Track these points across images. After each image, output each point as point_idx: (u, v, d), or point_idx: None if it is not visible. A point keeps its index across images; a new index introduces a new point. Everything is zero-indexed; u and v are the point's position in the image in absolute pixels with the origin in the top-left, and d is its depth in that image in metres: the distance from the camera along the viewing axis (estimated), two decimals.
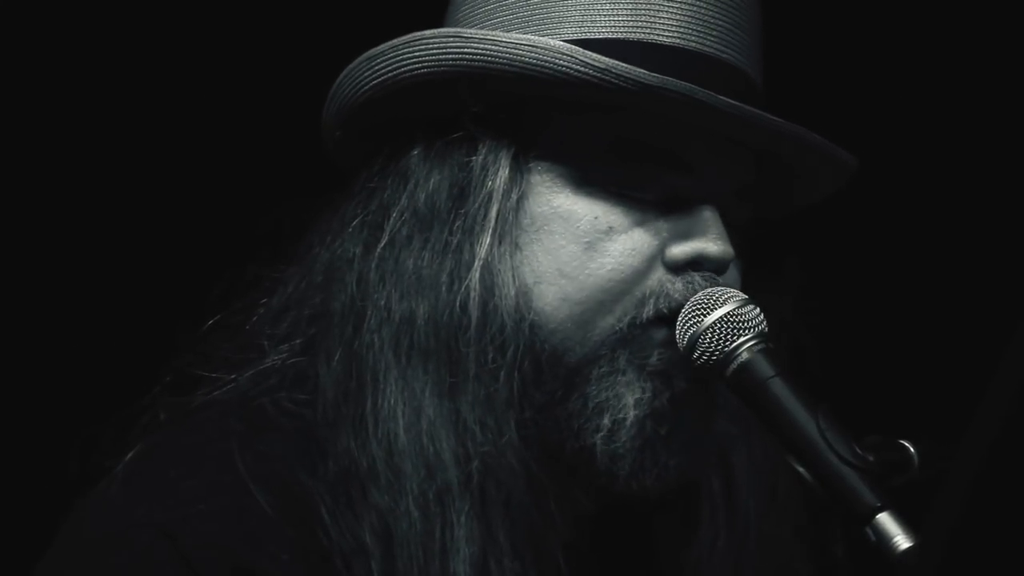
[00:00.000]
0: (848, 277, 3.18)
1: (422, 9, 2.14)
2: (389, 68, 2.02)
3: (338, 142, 2.13)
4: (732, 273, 2.05)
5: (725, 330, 1.95)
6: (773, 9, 2.16)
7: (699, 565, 2.12)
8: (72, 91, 3.17)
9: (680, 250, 2.00)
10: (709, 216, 2.01)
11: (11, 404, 3.15)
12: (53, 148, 3.18)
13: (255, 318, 2.11)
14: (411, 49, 2.01)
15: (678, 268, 2.00)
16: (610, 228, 2.00)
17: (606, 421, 1.98)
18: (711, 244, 2.00)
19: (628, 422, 1.97)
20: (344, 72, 2.07)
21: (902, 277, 3.24)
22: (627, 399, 1.97)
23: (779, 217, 2.22)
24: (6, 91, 3.14)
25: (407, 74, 2.01)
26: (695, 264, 2.00)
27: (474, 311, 1.96)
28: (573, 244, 1.99)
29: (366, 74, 2.04)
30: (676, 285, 2.00)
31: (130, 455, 1.98)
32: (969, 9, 3.12)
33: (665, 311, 1.99)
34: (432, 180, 2.02)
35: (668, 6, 2.02)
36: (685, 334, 1.97)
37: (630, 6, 2.02)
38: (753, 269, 2.13)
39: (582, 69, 1.94)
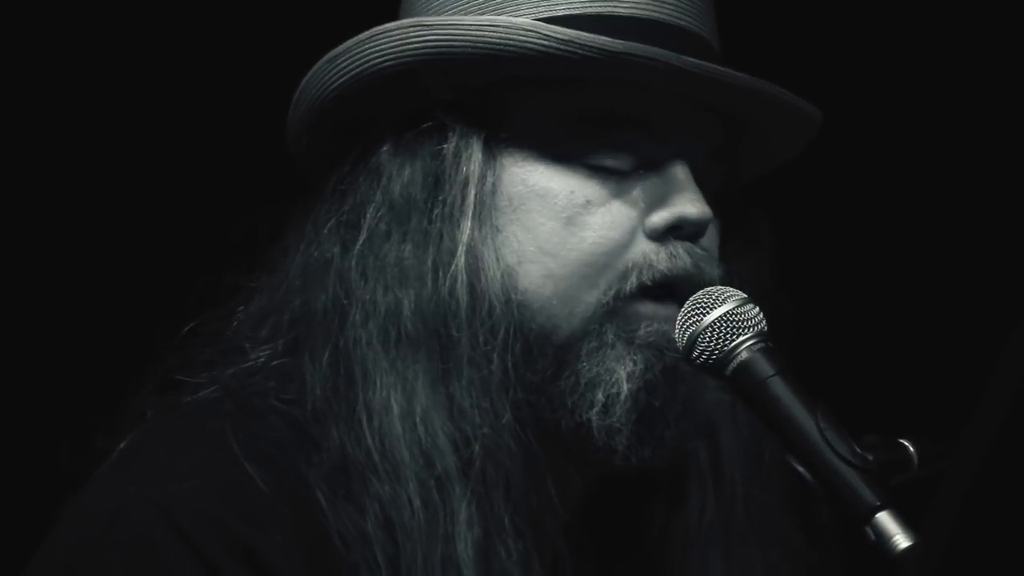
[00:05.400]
0: (848, 277, 3.18)
1: (378, 10, 2.13)
2: (354, 65, 2.02)
3: (305, 148, 2.12)
4: (711, 234, 2.06)
5: (724, 329, 1.95)
6: None
7: (688, 534, 2.13)
8: (47, 98, 3.17)
9: (660, 217, 2.01)
10: (683, 178, 2.02)
11: (2, 408, 3.16)
12: (36, 155, 3.18)
13: (234, 324, 2.10)
14: (373, 44, 2.01)
15: (658, 236, 2.01)
16: (587, 202, 2.01)
17: (600, 396, 1.98)
18: (689, 206, 2.01)
19: (622, 396, 1.98)
20: (308, 75, 2.07)
21: (902, 277, 3.24)
22: (619, 373, 1.98)
23: (751, 179, 2.22)
24: None
25: (371, 69, 2.01)
26: (675, 229, 2.01)
27: (462, 296, 1.97)
28: (552, 221, 2.00)
29: (331, 74, 2.04)
30: (660, 255, 2.01)
31: (123, 443, 1.99)
32: None
33: (648, 283, 2.00)
34: (406, 172, 2.02)
35: None
36: (684, 333, 1.97)
37: None
38: (729, 235, 2.13)
39: (546, 43, 1.95)
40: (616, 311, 2.00)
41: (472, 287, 1.97)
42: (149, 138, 3.18)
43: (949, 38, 3.14)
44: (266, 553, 1.87)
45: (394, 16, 2.12)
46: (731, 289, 1.99)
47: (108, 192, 3.19)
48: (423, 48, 1.99)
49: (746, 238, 2.17)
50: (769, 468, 2.13)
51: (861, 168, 2.25)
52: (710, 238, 2.06)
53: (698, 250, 2.02)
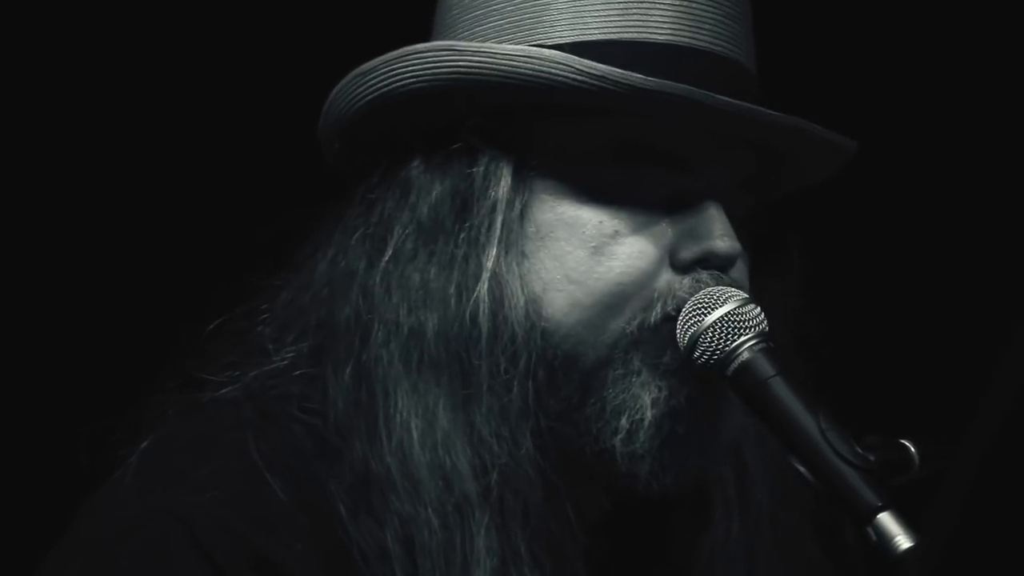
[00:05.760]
0: (849, 277, 3.18)
1: (417, 15, 2.14)
2: (383, 83, 2.02)
3: (337, 152, 2.12)
4: (739, 267, 2.05)
5: (725, 330, 1.95)
6: None
7: (713, 555, 2.11)
8: (81, 99, 3.18)
9: (688, 251, 2.00)
10: (714, 213, 2.01)
11: (23, 404, 3.17)
12: (64, 156, 3.20)
13: (259, 326, 2.09)
14: (404, 64, 2.01)
15: (685, 267, 2.00)
16: (616, 232, 2.00)
17: (624, 423, 1.97)
18: (718, 242, 1.99)
19: (646, 423, 1.97)
20: (336, 88, 2.06)
21: (903, 277, 3.24)
22: (644, 399, 1.97)
23: (779, 198, 2.21)
24: (12, 95, 3.15)
25: (402, 88, 2.00)
26: (703, 261, 2.00)
27: (484, 323, 1.96)
28: (580, 249, 1.99)
29: (360, 90, 2.03)
30: (684, 283, 1.99)
31: (142, 446, 1.98)
32: None
33: (673, 312, 1.99)
34: (435, 192, 2.01)
35: (659, 3, 2.02)
36: (686, 334, 1.97)
37: (621, 5, 2.01)
38: (757, 255, 2.12)
39: (578, 77, 1.94)
40: (641, 340, 1.98)
41: (494, 314, 1.96)
42: (181, 138, 3.19)
43: (982, 60, 3.14)
44: (284, 564, 1.87)
45: (425, 24, 2.13)
46: (732, 289, 1.99)
47: (138, 190, 3.20)
48: (454, 73, 1.98)
49: (775, 259, 2.16)
50: (795, 489, 2.12)
51: (857, 171, 2.26)
52: (739, 271, 2.04)
53: (726, 278, 2.01)
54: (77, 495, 1.98)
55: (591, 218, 2.00)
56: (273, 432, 1.96)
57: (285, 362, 2.05)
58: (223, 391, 2.04)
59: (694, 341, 1.96)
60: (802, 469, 1.87)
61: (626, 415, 1.97)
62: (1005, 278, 2.99)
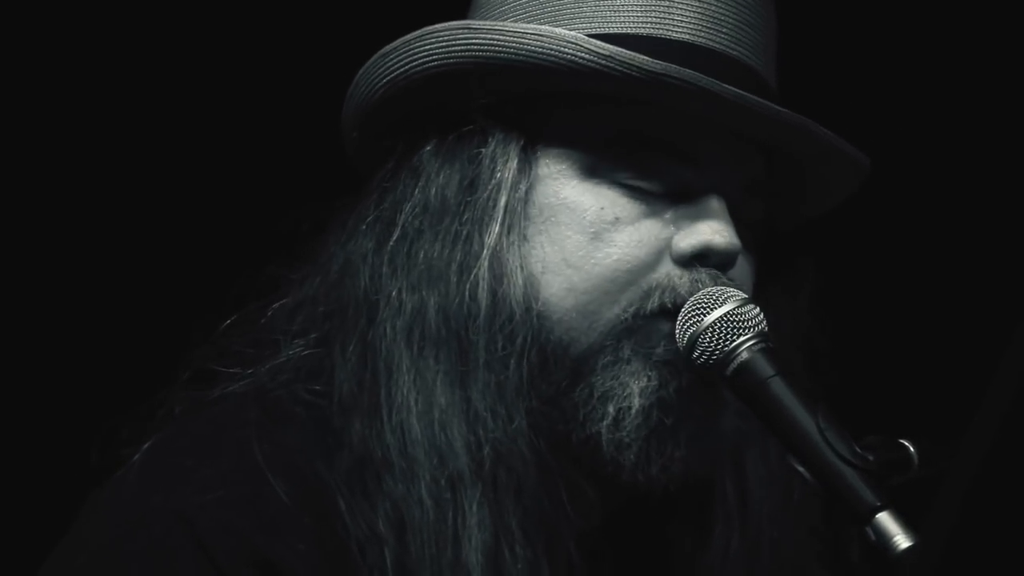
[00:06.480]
0: (848, 277, 3.18)
1: (444, 10, 2.15)
2: (402, 63, 2.04)
3: (356, 143, 2.14)
4: (742, 266, 2.05)
5: (725, 330, 1.95)
6: (788, 11, 2.16)
7: (712, 569, 2.12)
8: (101, 95, 3.19)
9: (686, 242, 2.01)
10: (716, 207, 2.02)
11: (31, 399, 3.17)
12: (80, 151, 3.21)
13: (271, 316, 2.12)
14: (422, 43, 2.03)
15: (685, 261, 2.01)
16: (616, 219, 2.01)
17: (611, 410, 1.98)
18: (717, 236, 2.00)
19: (633, 411, 1.98)
20: (361, 70, 2.09)
21: (902, 277, 3.24)
22: (632, 387, 1.98)
23: (796, 226, 2.23)
24: (26, 90, 3.16)
25: (419, 68, 2.03)
26: (702, 257, 2.01)
27: (483, 300, 1.98)
28: (579, 234, 2.00)
29: (380, 71, 2.06)
30: (683, 280, 2.00)
31: (147, 445, 1.99)
32: (985, 12, 3.13)
33: (669, 305, 1.99)
34: (443, 173, 2.03)
35: (681, 2, 2.03)
36: (685, 334, 1.97)
37: (642, 1, 2.03)
38: (768, 270, 2.13)
39: (587, 57, 1.95)
40: (635, 329, 1.99)
41: (494, 292, 1.98)
42: (198, 133, 3.20)
43: (989, 82, 3.15)
44: (286, 565, 1.88)
45: (459, 9, 2.15)
46: (731, 289, 1.99)
47: (154, 188, 3.21)
48: (466, 52, 2.00)
49: (786, 276, 2.17)
50: (798, 505, 2.12)
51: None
52: (741, 270, 2.05)
53: (724, 278, 2.01)
54: (81, 492, 1.99)
55: (593, 204, 2.01)
56: (277, 431, 1.97)
57: (294, 353, 2.06)
58: (233, 387, 2.06)
59: (693, 341, 1.97)
60: (801, 469, 1.87)
61: (613, 402, 1.98)
62: (1006, 278, 2.99)
